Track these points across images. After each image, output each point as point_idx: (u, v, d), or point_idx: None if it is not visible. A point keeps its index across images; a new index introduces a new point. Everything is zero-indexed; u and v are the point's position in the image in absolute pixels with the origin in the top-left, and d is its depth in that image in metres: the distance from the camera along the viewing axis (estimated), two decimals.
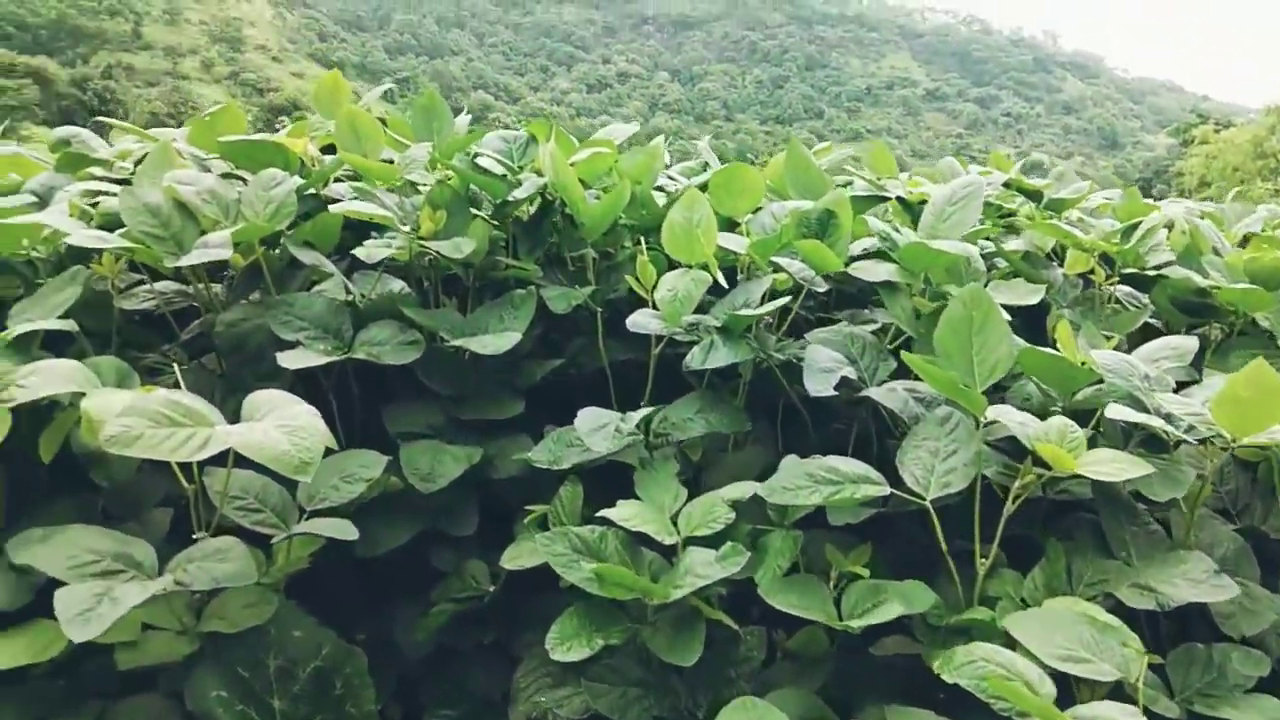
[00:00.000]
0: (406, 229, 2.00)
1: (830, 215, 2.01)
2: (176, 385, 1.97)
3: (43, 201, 2.50)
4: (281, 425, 1.41)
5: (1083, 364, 1.87)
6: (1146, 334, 2.40)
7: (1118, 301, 2.51)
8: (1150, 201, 3.62)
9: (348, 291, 2.08)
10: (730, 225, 2.35)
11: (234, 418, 1.96)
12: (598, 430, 1.67)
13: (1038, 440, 1.54)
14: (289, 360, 1.76)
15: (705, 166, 3.46)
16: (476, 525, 1.92)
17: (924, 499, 1.56)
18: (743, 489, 1.60)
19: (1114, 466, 1.51)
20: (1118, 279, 2.49)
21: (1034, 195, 3.16)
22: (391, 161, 2.37)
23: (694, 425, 1.80)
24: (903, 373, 1.95)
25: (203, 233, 2.00)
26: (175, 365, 2.08)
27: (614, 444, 1.63)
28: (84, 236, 1.78)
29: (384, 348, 1.92)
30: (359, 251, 1.93)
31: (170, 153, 2.19)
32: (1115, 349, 2.25)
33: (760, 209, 2.31)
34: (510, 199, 2.18)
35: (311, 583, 1.81)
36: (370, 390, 2.08)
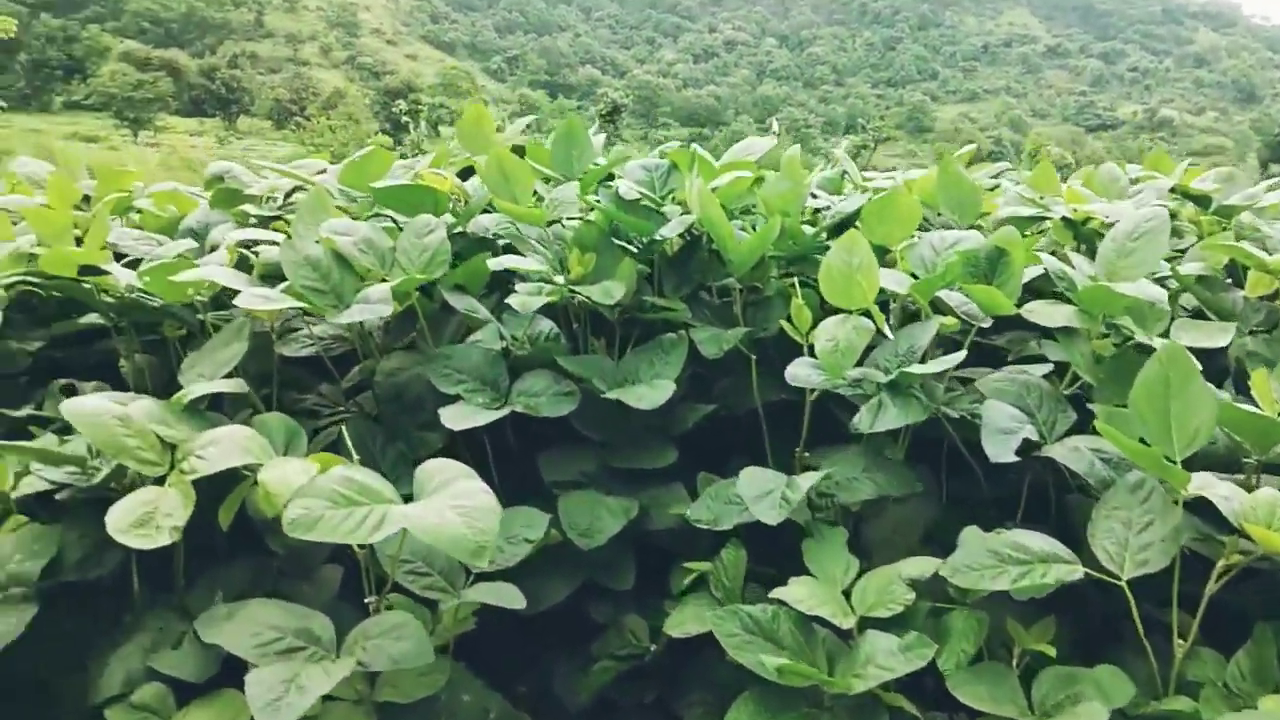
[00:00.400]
0: (559, 279, 1.99)
1: (1001, 254, 1.91)
2: (339, 438, 2.02)
3: (200, 239, 2.59)
4: (456, 506, 1.41)
5: None
6: None
7: None
8: None
9: (501, 337, 2.08)
10: (881, 252, 2.26)
11: (395, 466, 2.01)
12: (763, 498, 1.62)
13: (1245, 519, 1.42)
14: (453, 420, 1.77)
15: (844, 175, 3.36)
16: (634, 579, 1.91)
17: (1119, 578, 1.46)
18: (922, 567, 1.53)
19: None
20: None
21: (1201, 200, 2.96)
22: (538, 194, 2.37)
23: (861, 487, 1.74)
24: (1082, 419, 1.85)
25: (361, 281, 2.04)
26: (336, 419, 2.14)
27: (781, 514, 1.58)
28: (251, 297, 1.82)
29: (540, 399, 1.91)
30: (514, 301, 1.92)
31: (324, 198, 2.23)
32: None
33: (914, 239, 2.22)
34: (658, 237, 2.14)
35: (472, 636, 1.83)
36: (525, 435, 2.08)
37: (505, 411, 1.82)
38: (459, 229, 2.34)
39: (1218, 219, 2.89)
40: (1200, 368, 1.78)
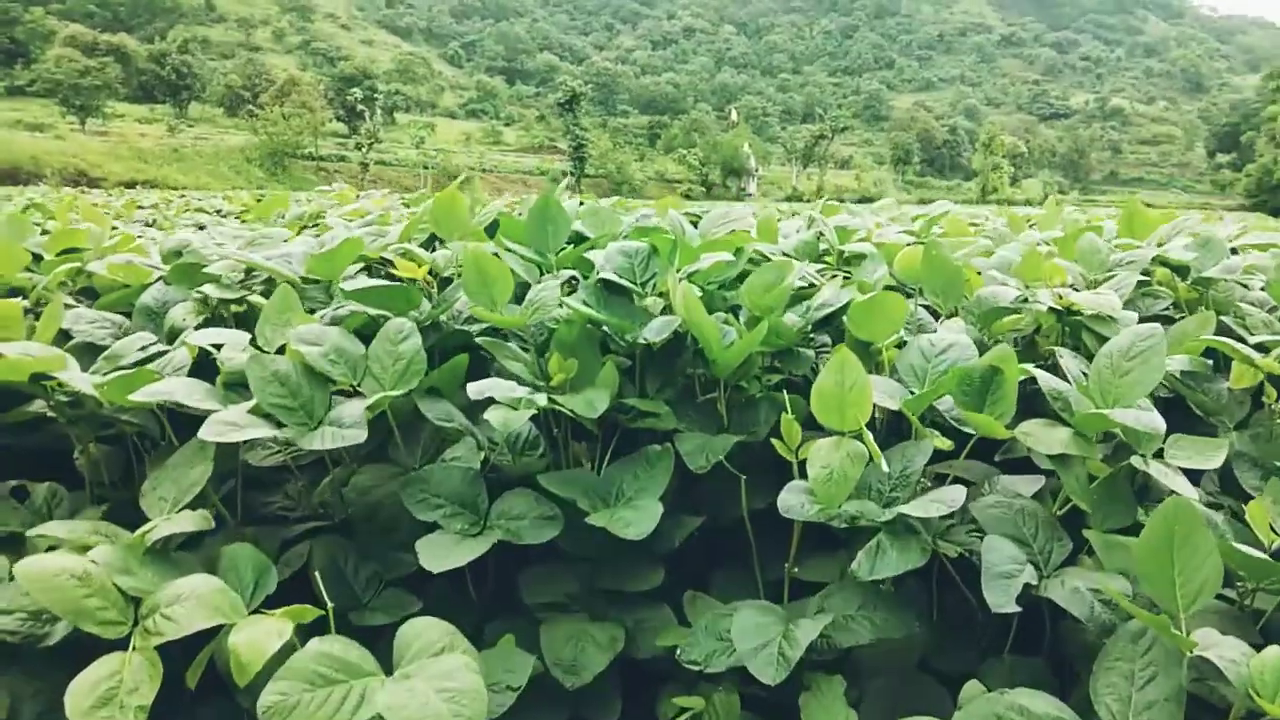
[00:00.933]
0: (539, 392, 1.91)
1: (995, 373, 1.87)
2: (307, 562, 1.94)
3: (157, 319, 2.48)
4: (442, 690, 1.33)
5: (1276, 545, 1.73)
6: None
7: None
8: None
9: (479, 447, 2.00)
10: (866, 348, 2.22)
11: (369, 587, 1.93)
12: (760, 651, 1.56)
13: (1253, 686, 1.39)
14: (431, 560, 1.69)
15: (820, 237, 3.31)
16: (620, 712, 1.85)
17: None
18: None
19: None
20: None
21: (1180, 270, 2.95)
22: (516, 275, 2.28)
23: (859, 629, 1.68)
24: (1076, 543, 1.82)
25: (332, 394, 1.95)
26: (305, 526, 2.05)
27: (780, 674, 1.53)
28: (218, 429, 1.72)
29: (522, 523, 1.84)
30: (492, 419, 1.83)
31: (290, 298, 2.13)
32: None
33: (903, 342, 2.18)
34: (643, 341, 2.07)
35: None
36: (505, 548, 2.01)
37: (487, 546, 1.75)
38: (432, 320, 2.26)
39: (1196, 289, 2.89)
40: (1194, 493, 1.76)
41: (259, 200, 13.93)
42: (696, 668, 1.70)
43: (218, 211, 10.09)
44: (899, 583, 1.89)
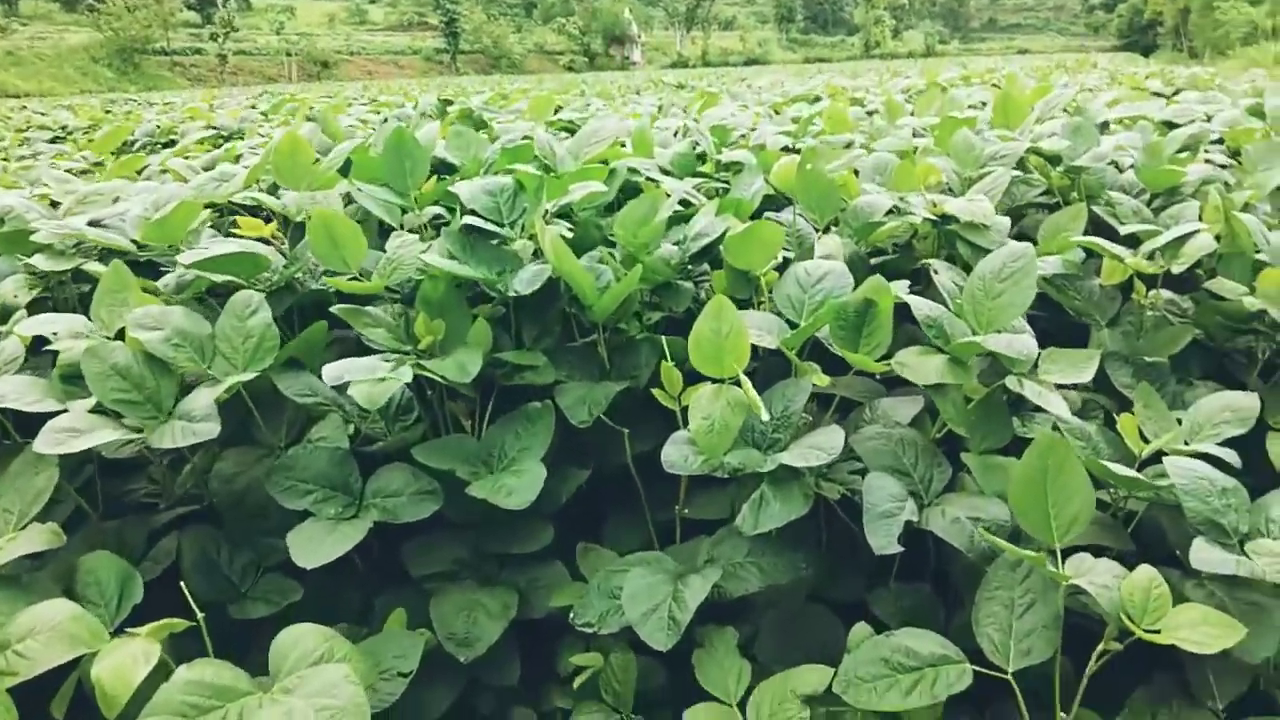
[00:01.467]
0: (407, 354, 1.82)
1: (869, 305, 1.84)
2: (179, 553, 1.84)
3: None
4: (321, 708, 1.28)
5: (1145, 451, 1.78)
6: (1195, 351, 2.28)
7: (1154, 308, 2.36)
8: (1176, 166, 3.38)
9: (347, 420, 1.90)
10: (746, 277, 2.17)
11: (246, 576, 1.85)
12: (650, 616, 1.55)
13: (1122, 610, 1.44)
14: (303, 555, 1.61)
15: (695, 147, 3.21)
16: (520, 672, 1.83)
17: (1006, 672, 1.47)
18: (814, 682, 1.50)
19: (1203, 633, 1.41)
20: (1159, 290, 2.34)
21: (1053, 159, 2.97)
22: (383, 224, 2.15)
23: (748, 577, 1.68)
24: (955, 467, 1.84)
25: (180, 380, 1.82)
26: (173, 514, 1.95)
27: (670, 639, 1.52)
28: (55, 438, 1.59)
29: (399, 500, 1.77)
30: (356, 395, 1.73)
31: (123, 275, 1.96)
32: (1159, 374, 2.15)
33: (780, 265, 2.13)
34: (513, 293, 1.98)
35: None
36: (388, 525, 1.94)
37: (363, 532, 1.68)
38: (286, 280, 2.11)
39: (1068, 176, 2.91)
40: (1067, 415, 1.79)
41: (108, 111, 13.00)
42: (591, 629, 1.68)
43: (63, 128, 9.34)
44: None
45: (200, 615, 1.48)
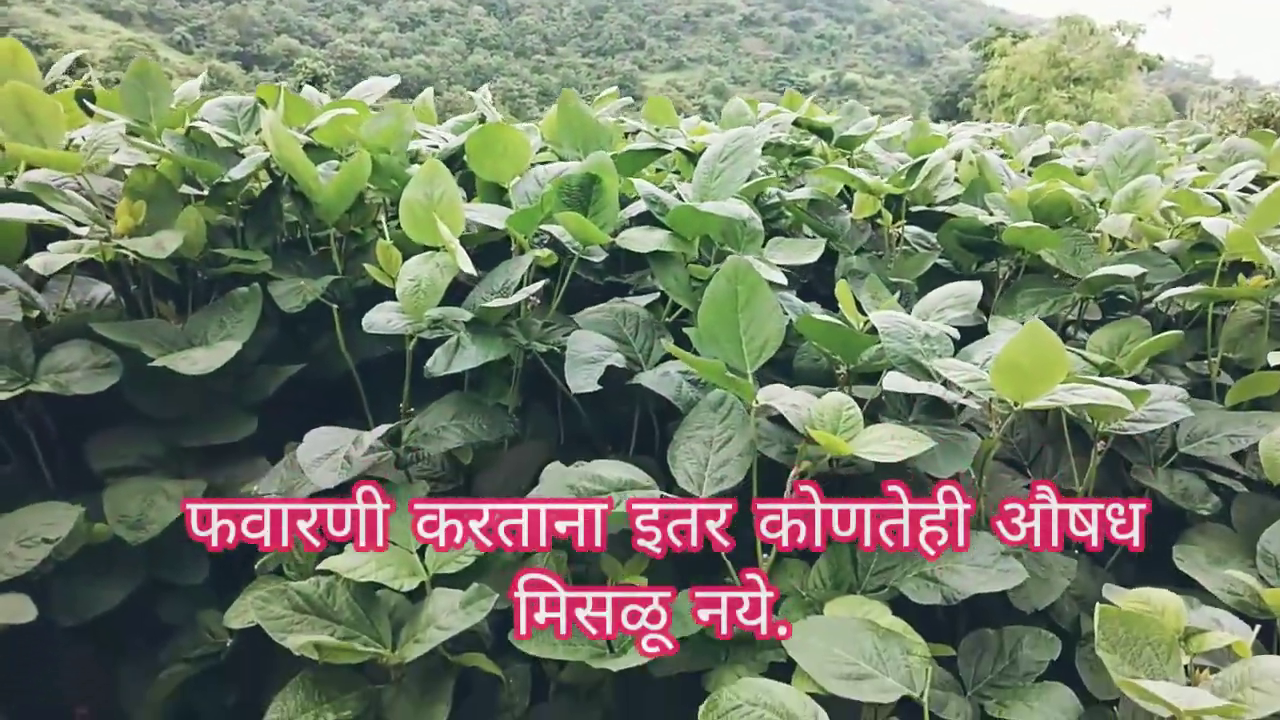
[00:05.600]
0: (91, 229, 1.68)
1: (593, 180, 1.81)
2: None
3: None
4: None
5: (866, 324, 1.77)
6: (940, 276, 2.34)
7: (907, 243, 2.42)
8: (940, 129, 3.60)
9: (25, 304, 1.74)
10: (499, 191, 2.12)
11: None
12: (323, 461, 1.43)
13: (810, 426, 1.41)
14: None
15: (482, 119, 3.20)
16: (209, 570, 1.66)
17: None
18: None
19: (892, 445, 1.39)
20: (905, 220, 2.41)
21: (824, 132, 3.06)
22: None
23: (450, 435, 1.58)
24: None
25: None
26: None
27: (341, 476, 1.40)
28: None
29: (73, 374, 1.61)
30: (33, 262, 1.60)
31: None
32: (907, 295, 2.19)
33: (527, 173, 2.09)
34: (227, 179, 1.88)
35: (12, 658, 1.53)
36: (81, 418, 1.76)
37: (18, 391, 1.51)
38: None
39: (841, 150, 3.00)
40: (785, 282, 1.79)
41: None
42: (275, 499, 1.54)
43: None
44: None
45: None
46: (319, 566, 1.34)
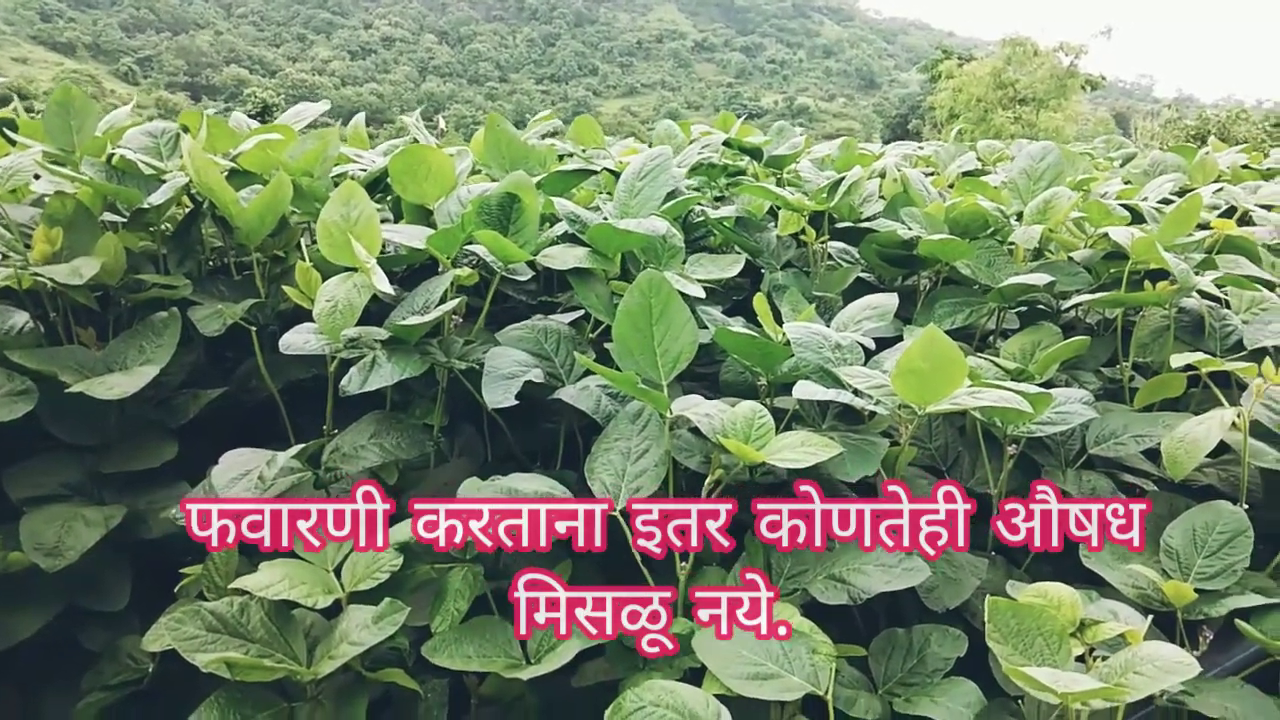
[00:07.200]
0: (8, 257, 1.67)
1: (512, 199, 1.84)
2: None
3: None
4: None
5: (784, 336, 1.81)
6: (864, 289, 2.39)
7: (831, 258, 2.48)
8: (868, 148, 3.68)
9: None
10: (424, 213, 2.14)
11: None
12: (238, 481, 1.43)
13: (722, 434, 1.44)
14: None
15: (414, 143, 3.21)
16: (129, 597, 1.65)
17: (613, 510, 1.43)
18: (406, 530, 1.41)
19: (801, 452, 1.42)
20: (828, 236, 2.46)
21: (754, 152, 3.12)
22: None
23: (367, 454, 1.59)
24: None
25: None
26: None
27: (257, 491, 1.40)
28: None
29: None
30: None
31: None
32: (830, 308, 2.24)
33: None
34: (147, 205, 1.88)
35: None
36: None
37: None
38: None
39: (772, 170, 3.06)
40: (704, 295, 1.82)
41: None
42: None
43: None
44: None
45: None
46: (231, 585, 1.34)
